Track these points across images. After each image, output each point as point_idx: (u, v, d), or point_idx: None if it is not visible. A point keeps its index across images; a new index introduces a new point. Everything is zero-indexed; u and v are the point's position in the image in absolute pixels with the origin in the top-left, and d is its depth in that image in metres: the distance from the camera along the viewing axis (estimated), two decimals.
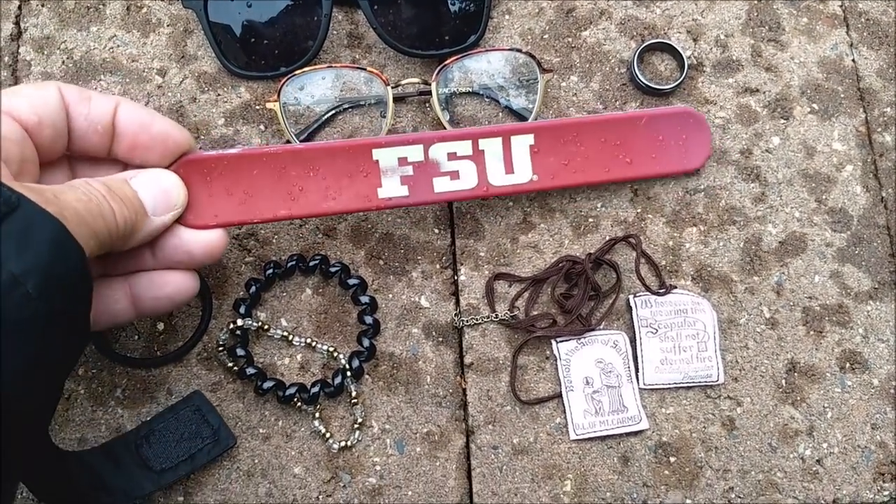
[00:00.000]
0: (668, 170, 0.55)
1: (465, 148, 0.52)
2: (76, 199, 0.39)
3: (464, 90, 0.57)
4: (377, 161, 0.51)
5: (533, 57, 0.55)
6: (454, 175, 0.52)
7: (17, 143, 0.41)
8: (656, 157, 0.55)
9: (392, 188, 0.51)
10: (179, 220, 0.48)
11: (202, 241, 0.47)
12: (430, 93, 0.55)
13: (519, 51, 0.55)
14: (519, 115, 0.57)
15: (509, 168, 0.53)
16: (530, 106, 0.56)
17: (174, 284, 0.47)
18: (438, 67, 0.55)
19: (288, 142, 0.55)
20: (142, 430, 0.50)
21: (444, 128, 0.56)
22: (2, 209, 0.34)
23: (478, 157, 0.52)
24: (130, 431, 0.50)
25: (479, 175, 0.52)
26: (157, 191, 0.45)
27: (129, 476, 0.49)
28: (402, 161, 0.51)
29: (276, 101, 0.54)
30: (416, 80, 0.55)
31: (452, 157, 0.52)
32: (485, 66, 0.57)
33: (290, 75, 0.55)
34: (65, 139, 0.44)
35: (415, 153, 0.51)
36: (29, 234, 0.35)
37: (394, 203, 0.51)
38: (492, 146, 0.52)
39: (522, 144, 0.53)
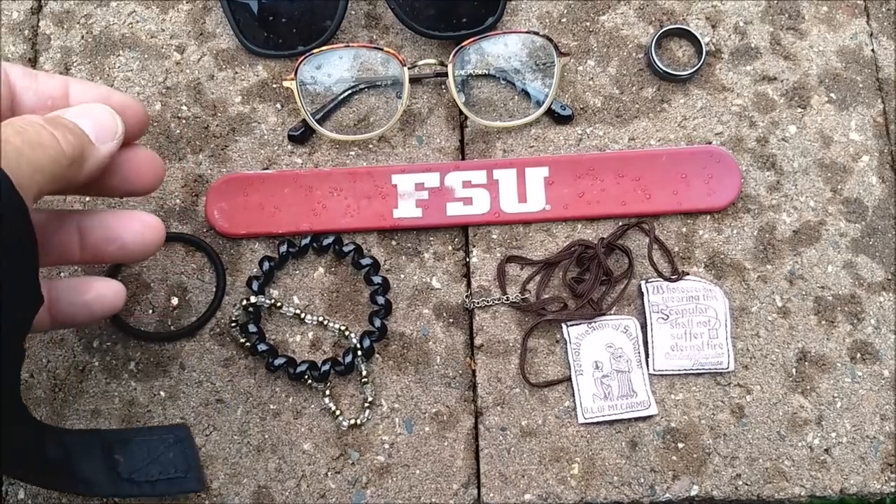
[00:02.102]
0: (689, 207, 0.55)
1: (479, 177, 0.55)
2: (13, 133, 0.36)
3: (480, 72, 0.57)
4: (395, 185, 0.55)
5: (550, 40, 0.55)
6: (467, 201, 0.55)
7: None
8: (678, 193, 0.55)
9: (407, 210, 0.55)
10: (213, 225, 0.53)
11: (136, 231, 0.44)
12: (446, 74, 0.55)
13: (536, 34, 0.55)
14: (534, 99, 0.57)
15: (522, 197, 0.55)
16: (546, 90, 0.56)
17: (95, 291, 0.44)
18: (455, 49, 0.55)
19: (304, 121, 0.56)
20: (122, 434, 0.48)
21: (459, 109, 0.56)
22: None
23: (492, 185, 0.55)
24: (109, 430, 0.50)
25: (492, 202, 0.55)
26: (94, 119, 0.41)
27: (95, 469, 0.46)
28: (419, 186, 0.55)
29: (292, 79, 0.54)
30: (432, 61, 0.55)
31: (467, 184, 0.55)
32: (501, 49, 0.56)
33: (307, 55, 0.55)
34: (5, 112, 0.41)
35: (431, 179, 0.55)
36: None
37: (406, 224, 0.55)
38: (506, 176, 0.55)
39: (537, 176, 0.55)
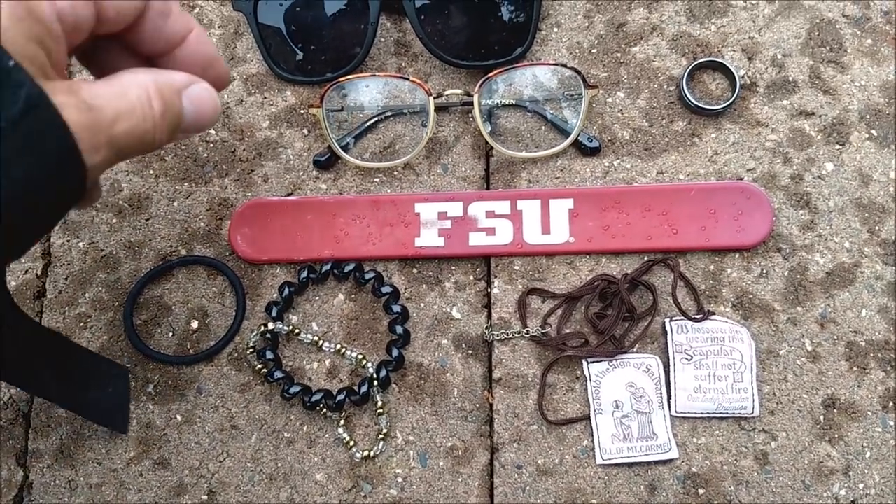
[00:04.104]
0: (717, 244, 0.54)
1: (503, 207, 0.55)
2: (124, 112, 0.32)
3: (507, 102, 0.56)
4: (418, 213, 0.54)
5: (578, 72, 0.54)
6: (490, 231, 0.54)
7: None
8: (706, 229, 0.53)
9: (429, 238, 0.54)
10: (236, 250, 0.54)
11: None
12: (472, 104, 0.54)
13: (564, 66, 0.54)
14: (561, 130, 0.56)
15: (546, 229, 0.54)
16: (573, 121, 0.55)
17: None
18: (482, 80, 0.54)
19: (329, 147, 0.55)
20: (69, 343, 0.48)
21: (485, 139, 0.55)
22: (20, 106, 0.28)
23: (515, 216, 0.54)
24: (61, 336, 0.50)
25: (515, 233, 0.54)
26: (197, 105, 0.36)
27: (50, 371, 0.46)
28: (442, 215, 0.54)
29: (318, 107, 0.54)
30: (458, 91, 0.55)
31: (490, 214, 0.55)
32: (529, 80, 0.56)
33: (333, 83, 0.55)
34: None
35: (454, 209, 0.55)
36: (31, 144, 0.28)
37: (427, 253, 0.54)
38: (530, 207, 0.54)
39: (561, 208, 0.54)
